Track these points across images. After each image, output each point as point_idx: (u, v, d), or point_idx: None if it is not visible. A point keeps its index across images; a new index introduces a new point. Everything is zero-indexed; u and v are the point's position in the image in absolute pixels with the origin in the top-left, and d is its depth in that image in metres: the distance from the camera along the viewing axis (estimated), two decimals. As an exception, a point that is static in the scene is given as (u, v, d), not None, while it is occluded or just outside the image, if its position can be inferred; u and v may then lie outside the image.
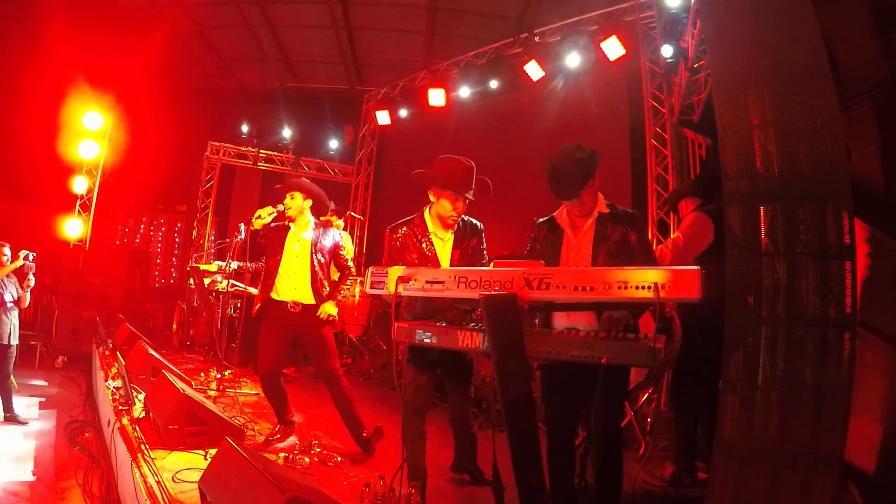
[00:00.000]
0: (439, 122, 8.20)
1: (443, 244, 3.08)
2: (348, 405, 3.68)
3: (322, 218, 4.03)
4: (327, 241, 3.81)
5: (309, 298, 3.69)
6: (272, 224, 3.77)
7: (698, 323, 3.21)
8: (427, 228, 3.07)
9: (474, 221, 3.22)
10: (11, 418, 4.42)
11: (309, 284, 3.70)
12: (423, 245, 3.03)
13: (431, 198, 3.09)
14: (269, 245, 3.79)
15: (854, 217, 2.18)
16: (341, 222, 5.95)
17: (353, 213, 8.58)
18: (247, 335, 6.35)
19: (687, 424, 3.38)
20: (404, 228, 3.08)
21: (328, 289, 3.77)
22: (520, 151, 7.04)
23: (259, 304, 3.79)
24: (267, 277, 3.76)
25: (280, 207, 3.73)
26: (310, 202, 3.79)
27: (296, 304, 3.68)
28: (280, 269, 3.70)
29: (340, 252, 3.86)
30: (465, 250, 3.11)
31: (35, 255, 4.72)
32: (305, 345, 3.80)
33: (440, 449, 3.71)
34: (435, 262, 3.02)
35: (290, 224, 3.78)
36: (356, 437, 3.67)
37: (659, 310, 1.74)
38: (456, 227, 3.10)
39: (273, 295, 3.70)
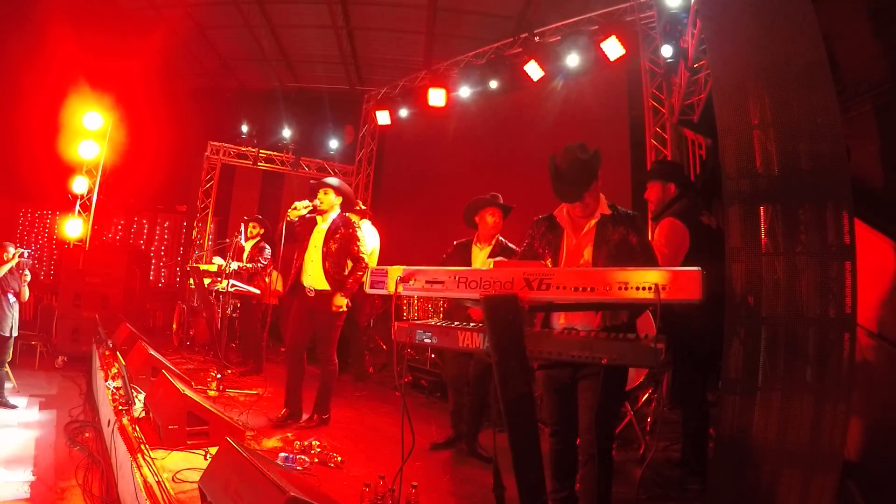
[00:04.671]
0: (439, 122, 8.20)
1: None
2: (327, 386, 4.09)
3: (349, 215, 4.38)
4: (342, 231, 4.09)
5: (322, 284, 4.05)
6: (307, 216, 4.19)
7: (689, 323, 3.18)
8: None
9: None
10: (2, 403, 4.71)
11: (321, 272, 4.04)
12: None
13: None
14: (300, 234, 4.19)
15: (854, 217, 2.17)
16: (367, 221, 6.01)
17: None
18: (246, 335, 6.37)
19: (692, 425, 3.29)
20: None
21: (342, 277, 4.07)
22: (520, 151, 7.04)
23: (290, 284, 4.19)
24: (296, 263, 4.17)
25: (316, 202, 4.12)
26: (340, 199, 4.18)
27: (311, 289, 4.06)
28: (305, 258, 4.12)
29: (355, 244, 4.10)
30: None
31: (30, 251, 4.94)
32: (315, 327, 4.12)
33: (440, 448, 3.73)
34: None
35: (318, 217, 4.18)
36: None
37: (659, 311, 1.73)
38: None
39: (301, 280, 4.12)
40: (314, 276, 4.05)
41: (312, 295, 4.05)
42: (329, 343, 4.06)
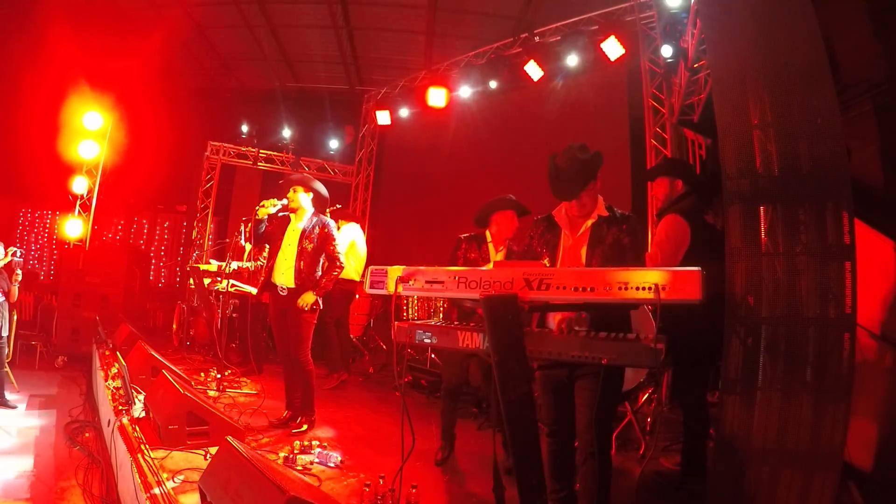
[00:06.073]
0: (439, 121, 8.20)
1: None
2: (308, 387, 4.01)
3: (328, 215, 4.31)
4: (318, 231, 4.05)
5: (293, 283, 3.99)
6: (278, 214, 4.13)
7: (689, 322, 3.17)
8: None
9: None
10: (2, 403, 4.71)
11: (293, 270, 3.98)
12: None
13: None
14: (273, 233, 4.12)
15: (854, 217, 2.17)
16: (355, 225, 6.04)
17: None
18: (246, 335, 6.36)
19: (693, 428, 3.27)
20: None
21: (314, 276, 4.02)
22: (520, 151, 7.04)
23: (260, 288, 4.18)
24: (268, 263, 4.14)
25: (284, 201, 4.06)
26: (310, 195, 4.11)
27: (283, 287, 4.02)
28: (278, 257, 4.06)
29: (331, 243, 4.06)
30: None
31: (22, 251, 4.89)
32: (286, 325, 4.04)
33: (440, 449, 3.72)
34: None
35: (291, 215, 4.11)
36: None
37: (660, 311, 1.73)
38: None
39: (273, 279, 4.06)
40: (287, 275, 3.98)
41: (285, 294, 3.98)
42: (301, 342, 3.98)
